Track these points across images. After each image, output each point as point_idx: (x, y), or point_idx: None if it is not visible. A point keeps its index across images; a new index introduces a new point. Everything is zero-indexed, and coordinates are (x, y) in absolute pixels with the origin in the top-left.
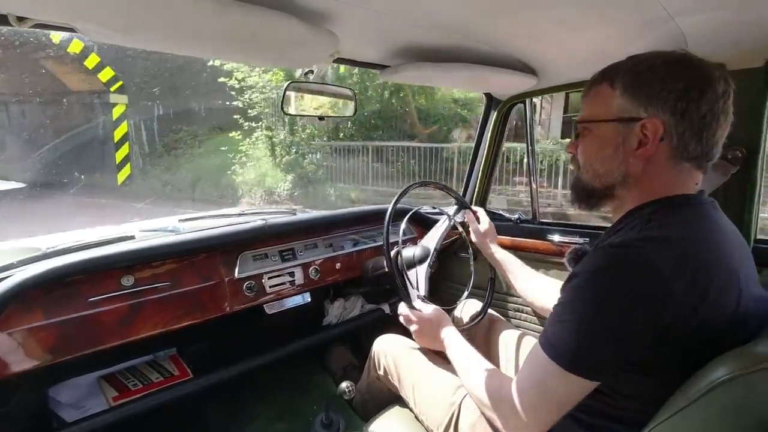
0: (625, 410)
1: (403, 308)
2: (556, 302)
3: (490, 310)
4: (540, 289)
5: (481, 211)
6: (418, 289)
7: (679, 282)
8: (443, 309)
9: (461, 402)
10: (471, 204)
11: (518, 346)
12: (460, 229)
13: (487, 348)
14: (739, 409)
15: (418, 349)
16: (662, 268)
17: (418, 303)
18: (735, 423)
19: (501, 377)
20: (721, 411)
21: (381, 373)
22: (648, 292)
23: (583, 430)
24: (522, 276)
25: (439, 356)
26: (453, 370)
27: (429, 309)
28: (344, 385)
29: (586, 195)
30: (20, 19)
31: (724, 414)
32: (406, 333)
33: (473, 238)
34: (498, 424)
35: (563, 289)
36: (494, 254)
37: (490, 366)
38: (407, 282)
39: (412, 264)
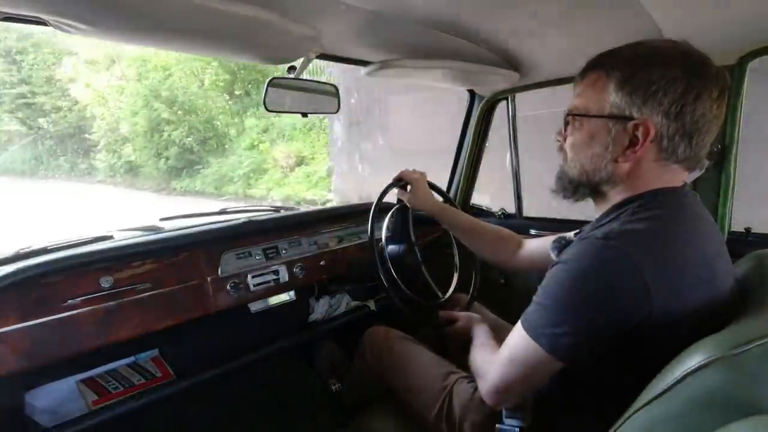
0: (611, 397)
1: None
2: (540, 284)
3: (475, 303)
4: (485, 236)
5: (403, 173)
6: (403, 284)
7: (657, 275)
8: (428, 303)
9: (452, 387)
10: (455, 201)
11: (505, 338)
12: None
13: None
14: (717, 393)
15: (408, 339)
16: (640, 262)
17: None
18: (716, 407)
19: (490, 358)
20: (697, 396)
21: (372, 362)
22: (625, 285)
23: (573, 409)
24: (468, 228)
25: (428, 345)
26: (443, 358)
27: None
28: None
29: (571, 188)
30: None
31: (701, 399)
32: (398, 323)
33: (409, 203)
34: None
35: (547, 275)
36: (434, 210)
37: (489, 348)
38: (393, 278)
39: (397, 258)
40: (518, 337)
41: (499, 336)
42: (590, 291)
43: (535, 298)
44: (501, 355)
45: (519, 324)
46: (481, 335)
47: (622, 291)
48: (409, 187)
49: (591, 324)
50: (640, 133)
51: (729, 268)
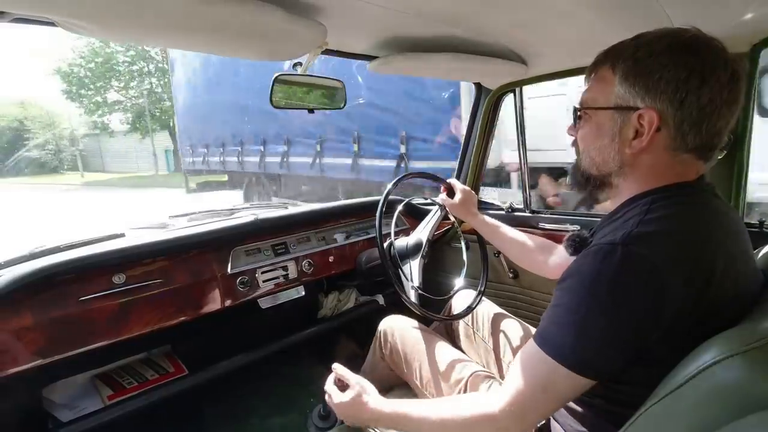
0: (625, 393)
1: (328, 384)
2: (552, 302)
3: (484, 299)
4: (524, 247)
5: (454, 182)
6: (411, 280)
7: (678, 275)
8: (437, 299)
9: (468, 379)
10: None
11: (514, 334)
12: (452, 218)
13: (483, 335)
14: (731, 389)
15: (424, 329)
16: (659, 265)
17: (406, 291)
18: (729, 402)
19: (476, 397)
20: (711, 392)
21: (386, 352)
22: (647, 290)
23: (580, 411)
24: (507, 237)
25: (444, 335)
26: (460, 353)
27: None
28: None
29: (584, 181)
30: None
31: (715, 395)
32: (411, 315)
33: (452, 212)
34: None
35: (559, 289)
36: (477, 223)
37: (453, 397)
38: (401, 274)
39: (406, 255)
40: (547, 363)
41: (501, 330)
42: (614, 302)
43: (551, 316)
44: (524, 388)
45: (539, 349)
46: (392, 405)
47: (645, 293)
48: (457, 196)
49: (621, 335)
50: (645, 123)
51: (752, 263)
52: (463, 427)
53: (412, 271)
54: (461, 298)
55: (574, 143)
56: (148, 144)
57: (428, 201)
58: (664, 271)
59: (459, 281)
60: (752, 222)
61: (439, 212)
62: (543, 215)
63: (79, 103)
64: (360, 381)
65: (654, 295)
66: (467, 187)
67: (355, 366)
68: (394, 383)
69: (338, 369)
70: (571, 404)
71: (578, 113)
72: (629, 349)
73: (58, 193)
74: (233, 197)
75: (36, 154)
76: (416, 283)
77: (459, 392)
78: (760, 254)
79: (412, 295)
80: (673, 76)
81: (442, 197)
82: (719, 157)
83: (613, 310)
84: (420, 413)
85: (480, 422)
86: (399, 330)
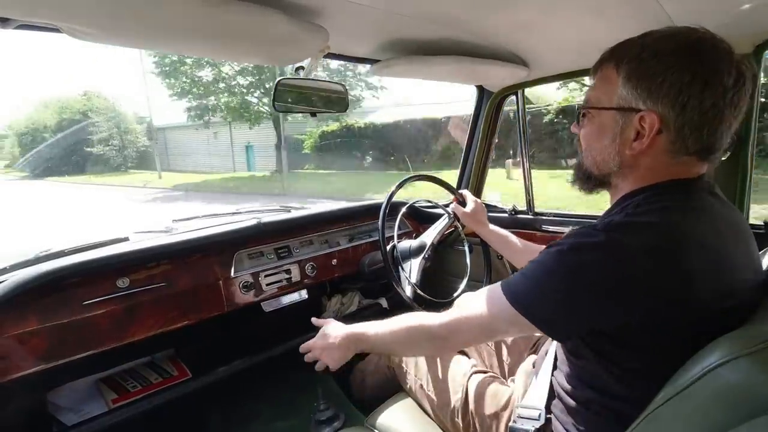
0: (623, 394)
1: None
2: (530, 259)
3: None
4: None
5: (466, 193)
6: (409, 276)
7: (652, 266)
8: (440, 301)
9: (468, 382)
10: None
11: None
12: (458, 223)
13: None
14: (737, 391)
15: None
16: (636, 253)
17: (407, 291)
18: (735, 404)
19: (419, 313)
20: (717, 394)
21: (385, 359)
22: (615, 272)
23: (580, 411)
24: (518, 249)
25: None
26: (462, 354)
27: (322, 324)
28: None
29: (585, 178)
30: (3, 21)
31: (721, 397)
32: None
33: (463, 221)
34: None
35: (541, 252)
36: (487, 232)
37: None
38: (400, 270)
39: (408, 256)
40: (500, 300)
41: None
42: (579, 275)
43: (522, 270)
44: (474, 309)
45: (499, 288)
46: (364, 326)
47: (610, 279)
48: (470, 206)
49: (570, 302)
50: (646, 125)
51: (754, 263)
52: (407, 334)
53: (412, 268)
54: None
55: (578, 141)
56: (222, 139)
57: (431, 204)
58: (636, 258)
59: (462, 284)
60: (758, 223)
61: (447, 219)
62: (546, 217)
63: (170, 88)
64: (325, 321)
65: (623, 280)
66: (478, 199)
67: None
68: (395, 388)
69: (313, 320)
70: (571, 404)
71: (582, 112)
72: (580, 321)
73: (143, 196)
74: None
75: (100, 150)
76: (413, 279)
77: (460, 395)
78: (767, 255)
79: (408, 290)
80: (677, 79)
81: (453, 206)
82: (723, 158)
83: (576, 281)
84: (375, 328)
85: (419, 330)
86: None
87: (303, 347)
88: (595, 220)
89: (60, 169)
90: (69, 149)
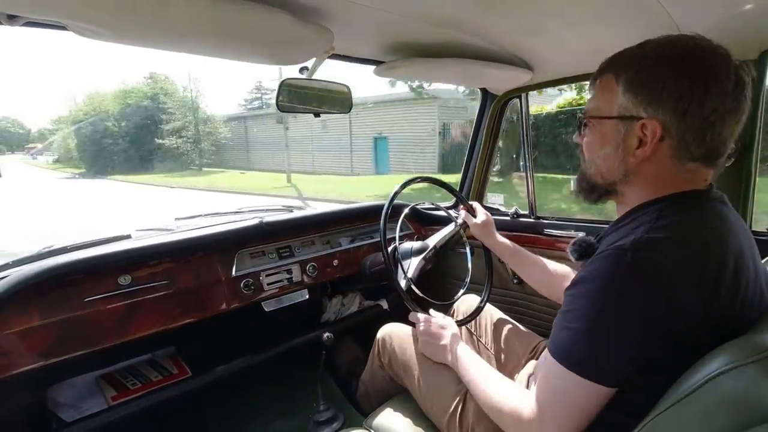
0: (625, 402)
1: (415, 315)
2: (562, 308)
3: (488, 304)
4: (544, 272)
5: (476, 204)
6: (406, 272)
7: (689, 283)
8: (441, 304)
9: (467, 391)
10: (468, 200)
11: (517, 341)
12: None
13: (486, 342)
14: (738, 399)
15: None
16: (672, 271)
17: (401, 284)
18: (737, 412)
19: (519, 392)
20: (718, 401)
21: (385, 360)
22: (657, 294)
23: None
24: (526, 262)
25: None
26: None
27: (442, 319)
28: (325, 336)
29: (589, 188)
30: (10, 18)
31: (722, 404)
32: (409, 323)
33: (473, 231)
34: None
35: (570, 295)
36: (496, 244)
37: (506, 380)
38: (400, 267)
39: (408, 256)
40: (562, 374)
41: (505, 337)
42: (625, 306)
43: (561, 323)
44: (545, 400)
45: (553, 359)
46: (464, 356)
47: (656, 299)
48: (480, 217)
49: (632, 340)
50: (648, 133)
51: (758, 272)
52: (498, 411)
53: (411, 266)
54: (465, 303)
55: (580, 150)
56: (334, 129)
57: (433, 206)
58: (673, 276)
59: (463, 287)
60: (761, 230)
61: (453, 226)
62: (548, 221)
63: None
64: (449, 323)
65: (665, 300)
66: (487, 212)
67: (357, 369)
68: (394, 392)
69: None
70: None
71: (583, 122)
72: (639, 353)
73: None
74: None
75: (174, 143)
76: (410, 274)
77: (457, 405)
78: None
79: (402, 283)
80: (676, 85)
81: (465, 215)
82: (727, 165)
83: (623, 313)
84: (473, 375)
85: (509, 414)
86: (397, 338)
87: (415, 317)
88: (597, 225)
89: (125, 166)
90: (137, 139)
